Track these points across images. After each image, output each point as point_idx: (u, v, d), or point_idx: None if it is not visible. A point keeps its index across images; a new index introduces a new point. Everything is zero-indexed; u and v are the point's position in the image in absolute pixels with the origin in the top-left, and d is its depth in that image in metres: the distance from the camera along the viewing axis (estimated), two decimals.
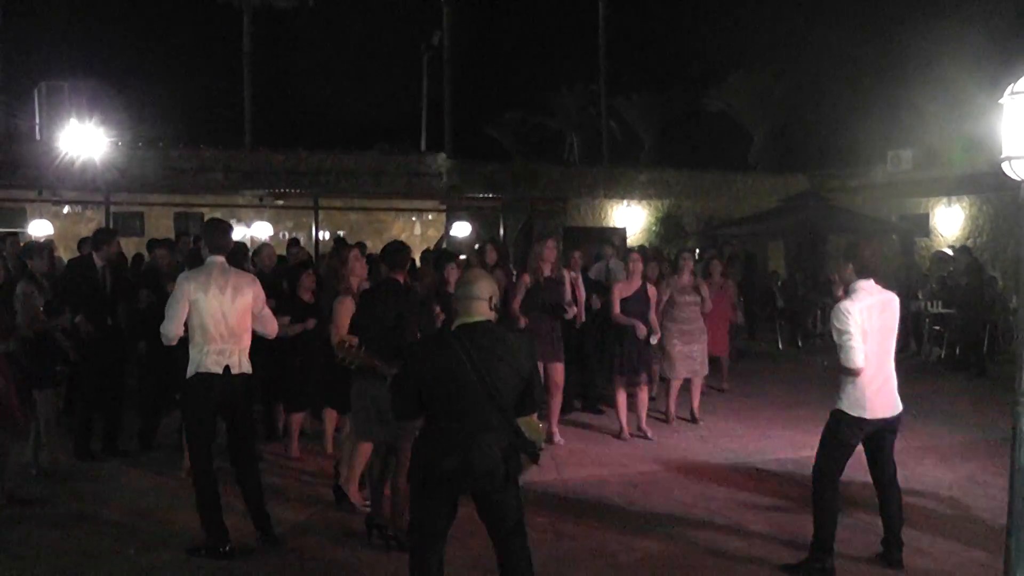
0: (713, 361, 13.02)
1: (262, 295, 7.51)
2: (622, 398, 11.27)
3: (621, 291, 11.18)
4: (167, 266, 10.74)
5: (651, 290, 11.40)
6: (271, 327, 7.62)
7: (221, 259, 7.38)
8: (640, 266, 11.34)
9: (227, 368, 7.16)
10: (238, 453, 7.48)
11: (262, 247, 12.44)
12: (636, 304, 11.13)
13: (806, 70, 38.75)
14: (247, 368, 7.33)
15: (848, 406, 6.63)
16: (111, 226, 19.97)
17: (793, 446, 10.58)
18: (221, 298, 7.14)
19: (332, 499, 8.40)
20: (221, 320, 7.14)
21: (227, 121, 36.19)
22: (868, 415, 6.61)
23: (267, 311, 7.58)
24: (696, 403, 12.20)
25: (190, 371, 7.17)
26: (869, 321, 6.55)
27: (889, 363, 6.78)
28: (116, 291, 10.22)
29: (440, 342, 5.31)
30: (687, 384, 12.14)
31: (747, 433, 11.56)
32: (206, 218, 23.58)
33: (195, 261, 8.45)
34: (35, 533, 7.65)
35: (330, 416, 10.07)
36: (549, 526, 7.81)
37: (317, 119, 43.48)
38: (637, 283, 11.22)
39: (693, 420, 12.10)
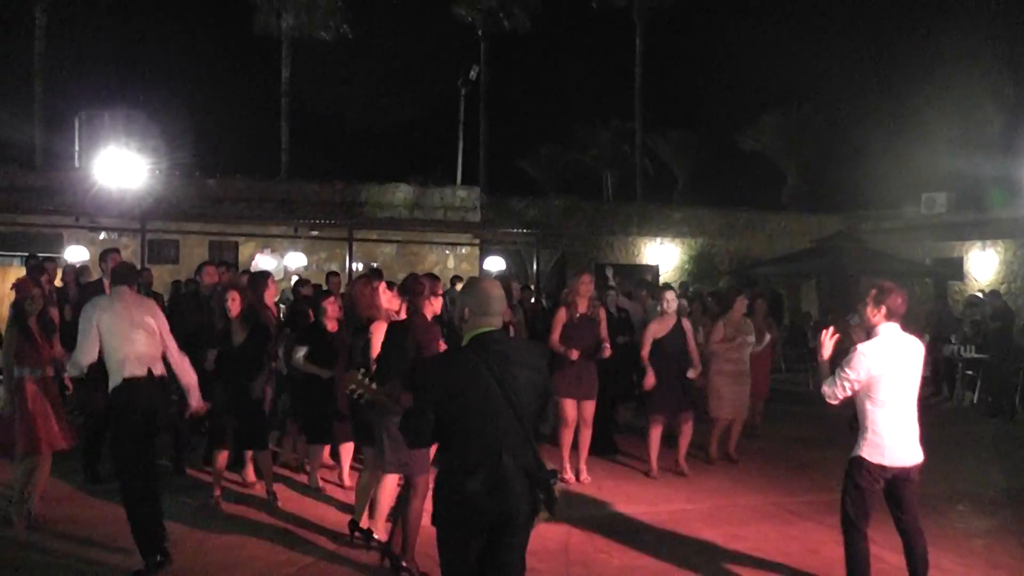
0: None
1: (167, 326, 7.89)
2: (655, 436, 11.25)
3: (654, 332, 11.20)
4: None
5: (686, 324, 11.37)
6: (178, 356, 7.97)
7: (126, 289, 7.79)
8: (675, 304, 11.35)
9: (149, 370, 7.54)
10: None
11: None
12: (673, 342, 11.12)
13: (840, 110, 38.71)
14: (163, 372, 7.73)
15: (868, 452, 6.61)
16: (145, 254, 20.23)
17: (824, 487, 10.51)
18: (130, 315, 7.58)
19: (353, 534, 8.32)
20: (128, 336, 7.51)
21: (263, 151, 36.44)
22: (887, 462, 6.57)
23: (173, 344, 7.94)
24: (734, 444, 12.19)
25: (112, 383, 7.50)
26: (889, 366, 6.56)
27: (911, 410, 6.72)
28: None
29: (454, 354, 5.24)
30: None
31: (778, 474, 11.54)
32: (241, 247, 23.84)
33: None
34: (57, 558, 7.70)
35: (346, 449, 10.16)
36: (577, 561, 7.84)
37: (353, 151, 43.73)
38: (671, 321, 11.24)
39: (730, 460, 12.08)
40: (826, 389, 6.75)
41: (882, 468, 6.59)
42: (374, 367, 7.62)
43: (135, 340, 7.52)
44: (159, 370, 7.69)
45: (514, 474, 4.76)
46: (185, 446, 10.90)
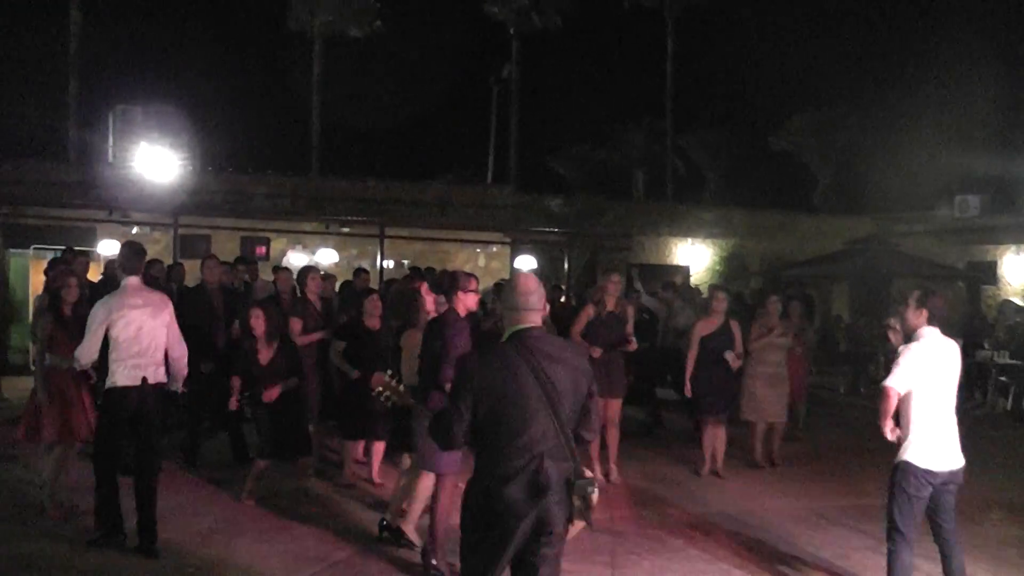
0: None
1: (173, 317, 8.02)
2: (709, 438, 11.30)
3: (701, 330, 11.22)
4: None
5: (734, 326, 11.33)
6: (179, 350, 8.06)
7: (134, 280, 7.85)
8: (723, 304, 11.33)
9: (143, 379, 7.63)
10: (142, 458, 7.85)
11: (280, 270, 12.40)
12: (720, 341, 11.12)
13: (873, 111, 38.54)
14: (161, 379, 7.82)
15: (915, 456, 6.52)
16: (177, 248, 20.32)
17: (856, 493, 10.50)
18: (137, 317, 7.65)
19: (381, 535, 8.33)
20: (135, 339, 7.61)
21: (295, 147, 36.55)
22: (936, 467, 6.49)
23: (178, 334, 8.05)
24: (776, 448, 12.12)
25: (107, 384, 7.66)
26: (933, 368, 6.51)
27: (951, 414, 6.67)
28: None
29: (492, 351, 4.98)
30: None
31: (809, 479, 11.47)
32: (273, 243, 23.92)
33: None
34: (85, 554, 7.70)
35: (377, 447, 10.19)
36: (606, 563, 7.84)
37: (384, 148, 43.82)
38: (718, 321, 11.22)
39: (772, 465, 12.00)
40: (883, 381, 6.68)
41: (930, 473, 6.49)
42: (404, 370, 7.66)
43: (136, 343, 7.63)
44: (157, 376, 7.76)
45: (556, 481, 4.59)
46: (198, 443, 11.03)
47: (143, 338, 7.65)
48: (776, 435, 12.12)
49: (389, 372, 6.21)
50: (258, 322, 9.32)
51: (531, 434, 4.61)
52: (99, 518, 7.73)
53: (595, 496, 4.73)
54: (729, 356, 11.05)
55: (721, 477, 11.19)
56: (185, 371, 8.19)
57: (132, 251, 8.07)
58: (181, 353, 8.05)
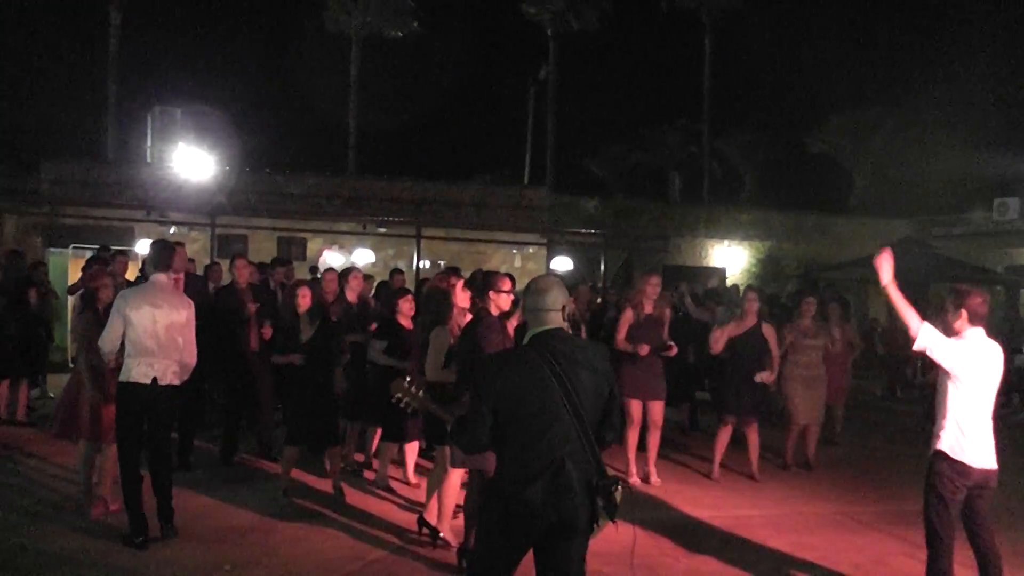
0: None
1: (193, 319, 8.03)
2: (723, 438, 11.23)
3: (730, 331, 11.17)
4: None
5: (767, 329, 11.26)
6: (190, 356, 8.05)
7: (162, 277, 7.92)
8: (756, 305, 11.28)
9: (154, 379, 7.70)
10: (154, 453, 7.99)
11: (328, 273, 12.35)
12: (748, 344, 11.08)
13: (910, 112, 38.29)
14: (173, 380, 7.86)
15: (949, 446, 6.39)
16: (215, 248, 20.49)
17: (893, 498, 10.45)
18: (155, 313, 7.70)
19: (420, 529, 8.34)
20: (153, 335, 7.67)
21: (332, 148, 36.71)
22: (969, 460, 6.35)
23: (192, 336, 8.04)
24: (812, 450, 12.09)
25: (121, 378, 7.74)
26: (974, 366, 6.38)
27: (988, 415, 6.52)
28: None
29: (514, 353, 5.02)
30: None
31: (845, 483, 11.41)
32: (309, 243, 24.06)
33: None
34: (121, 550, 7.74)
35: (411, 447, 10.24)
36: (642, 564, 7.84)
37: (421, 148, 43.94)
38: (751, 322, 11.16)
39: (808, 468, 11.98)
40: (924, 329, 6.44)
41: (964, 469, 6.35)
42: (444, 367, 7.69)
43: (150, 339, 7.70)
44: (168, 377, 7.82)
45: (577, 482, 4.60)
46: (234, 441, 11.14)
47: (158, 335, 7.71)
48: (811, 438, 12.07)
49: (407, 379, 6.23)
50: (304, 299, 9.52)
51: (552, 436, 4.61)
52: (129, 513, 7.82)
53: (619, 495, 4.71)
54: (762, 376, 11.02)
55: (757, 480, 11.16)
56: (192, 365, 8.15)
57: (160, 248, 8.18)
58: (191, 360, 8.06)
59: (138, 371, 7.69)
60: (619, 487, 4.71)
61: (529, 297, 4.96)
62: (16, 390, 12.87)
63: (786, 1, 46.74)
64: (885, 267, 6.53)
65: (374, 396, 10.14)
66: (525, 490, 4.57)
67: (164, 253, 8.07)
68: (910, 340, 6.52)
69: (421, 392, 6.15)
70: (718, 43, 38.72)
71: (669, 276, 23.81)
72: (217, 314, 11.04)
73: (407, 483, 10.21)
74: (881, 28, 45.65)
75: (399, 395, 6.04)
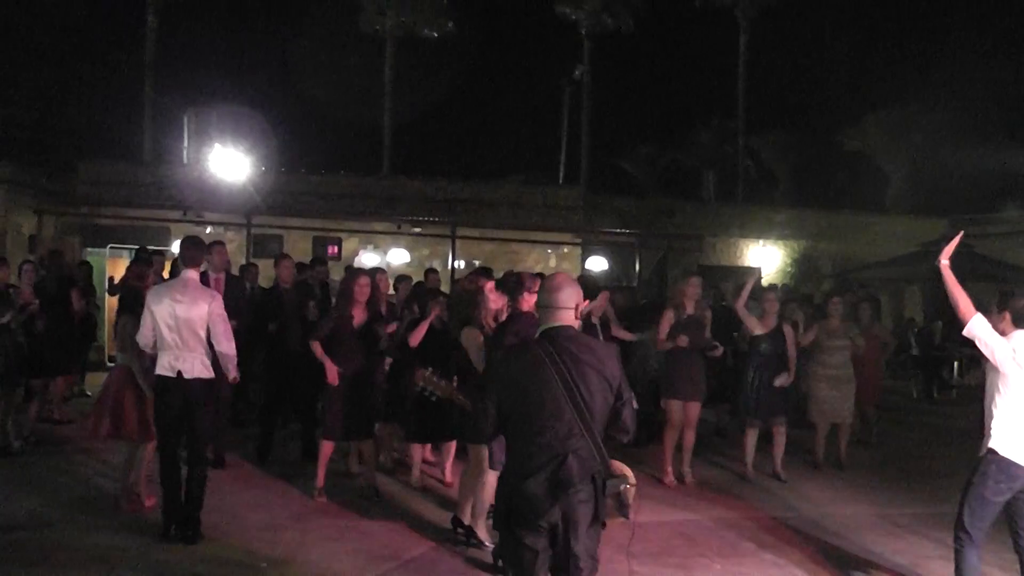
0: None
1: (218, 310, 8.07)
2: (751, 439, 11.24)
3: (753, 328, 11.18)
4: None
5: (787, 330, 11.29)
6: (225, 345, 8.14)
7: (191, 272, 8.09)
8: (776, 306, 11.29)
9: (179, 372, 7.84)
10: (190, 450, 8.06)
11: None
12: (771, 344, 11.10)
13: (946, 109, 38.01)
14: (201, 373, 7.95)
15: (1002, 447, 6.31)
16: (251, 248, 20.60)
17: (930, 499, 10.40)
18: (174, 308, 7.83)
19: (455, 529, 8.37)
20: (174, 328, 7.83)
21: (367, 148, 36.83)
22: (1021, 459, 6.28)
23: (222, 327, 8.10)
24: (843, 450, 12.07)
25: (155, 372, 7.96)
26: (1020, 367, 6.33)
27: None
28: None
29: (521, 347, 5.05)
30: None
31: (881, 484, 11.33)
32: (344, 243, 24.15)
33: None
34: (157, 547, 7.83)
35: (449, 445, 10.30)
36: (677, 564, 7.85)
37: (456, 148, 44.01)
38: (771, 323, 11.19)
39: (839, 468, 11.95)
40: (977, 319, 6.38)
41: (1016, 467, 6.27)
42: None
43: (173, 333, 7.84)
44: (195, 371, 7.90)
45: (579, 478, 4.58)
46: (271, 440, 11.26)
47: (179, 329, 7.84)
48: (842, 436, 12.07)
49: (430, 369, 6.25)
50: (363, 289, 9.60)
51: (555, 431, 4.61)
52: (164, 507, 7.95)
53: (630, 493, 4.74)
54: (781, 380, 11.03)
55: (782, 480, 11.15)
56: (233, 365, 8.28)
57: (189, 244, 8.30)
58: (228, 349, 8.15)
59: (161, 364, 7.89)
60: (628, 486, 4.72)
61: (542, 293, 5.00)
62: (55, 388, 13.03)
63: None
64: (950, 247, 6.55)
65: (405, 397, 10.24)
66: (526, 483, 4.60)
67: (192, 250, 8.22)
68: (945, 341, 6.48)
69: (444, 381, 6.15)
70: (753, 41, 38.56)
71: (704, 276, 23.77)
72: (262, 313, 11.16)
73: (443, 482, 10.25)
74: (918, 24, 45.37)
75: (421, 384, 6.06)
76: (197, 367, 7.92)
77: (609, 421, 4.82)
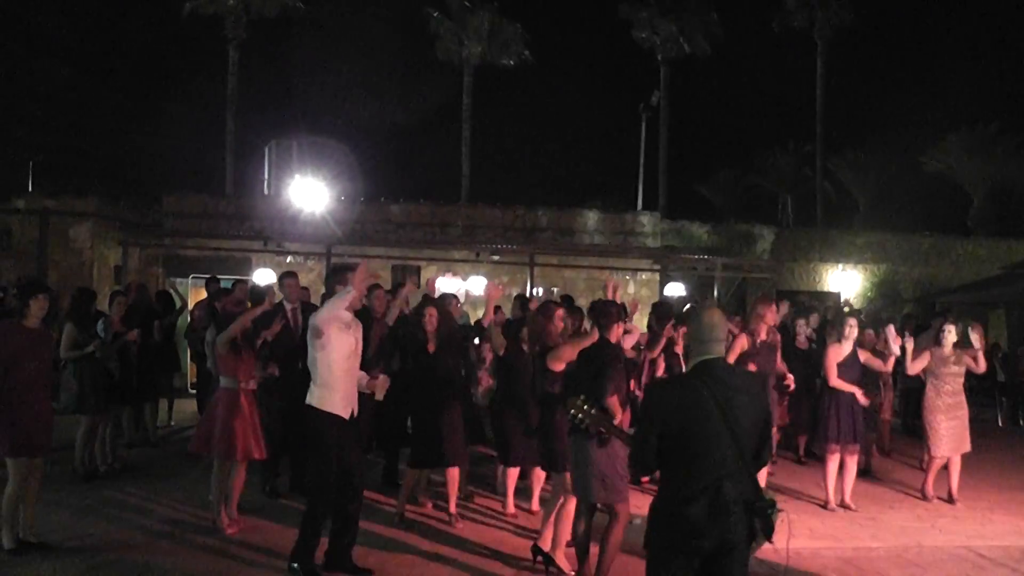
0: None
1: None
2: (833, 466, 11.18)
3: (835, 356, 11.16)
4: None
5: (862, 355, 11.28)
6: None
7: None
8: (855, 331, 11.26)
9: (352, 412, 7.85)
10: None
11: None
12: (848, 370, 11.08)
13: None
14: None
15: None
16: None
17: (1019, 532, 10.31)
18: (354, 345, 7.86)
19: (535, 558, 8.38)
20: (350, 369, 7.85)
21: (445, 176, 37.17)
22: None
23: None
24: (955, 482, 11.85)
25: None
26: None
27: None
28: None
29: (680, 380, 5.32)
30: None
31: (968, 516, 11.22)
32: (423, 271, 24.40)
33: None
34: (246, 569, 7.98)
35: (538, 474, 10.32)
36: None
37: (534, 175, 44.23)
38: (848, 347, 11.17)
39: (950, 500, 11.78)
40: None
41: None
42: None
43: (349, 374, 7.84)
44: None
45: (734, 502, 4.77)
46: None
47: (353, 368, 7.90)
48: (954, 469, 11.83)
49: (582, 397, 6.35)
50: (431, 319, 9.81)
51: (712, 459, 4.80)
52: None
53: (777, 518, 4.90)
54: (862, 399, 11.03)
55: (852, 509, 11.10)
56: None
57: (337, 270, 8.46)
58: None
59: (335, 403, 7.71)
60: (776, 510, 4.90)
61: (695, 328, 5.17)
62: (142, 415, 13.45)
63: (899, 17, 46.13)
64: None
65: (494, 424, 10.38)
66: (686, 509, 4.76)
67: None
68: None
69: (594, 411, 6.27)
70: (830, 62, 38.40)
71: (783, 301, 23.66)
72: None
73: (529, 510, 10.35)
74: (997, 42, 44.85)
75: (572, 412, 6.18)
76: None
77: (758, 446, 5.04)
